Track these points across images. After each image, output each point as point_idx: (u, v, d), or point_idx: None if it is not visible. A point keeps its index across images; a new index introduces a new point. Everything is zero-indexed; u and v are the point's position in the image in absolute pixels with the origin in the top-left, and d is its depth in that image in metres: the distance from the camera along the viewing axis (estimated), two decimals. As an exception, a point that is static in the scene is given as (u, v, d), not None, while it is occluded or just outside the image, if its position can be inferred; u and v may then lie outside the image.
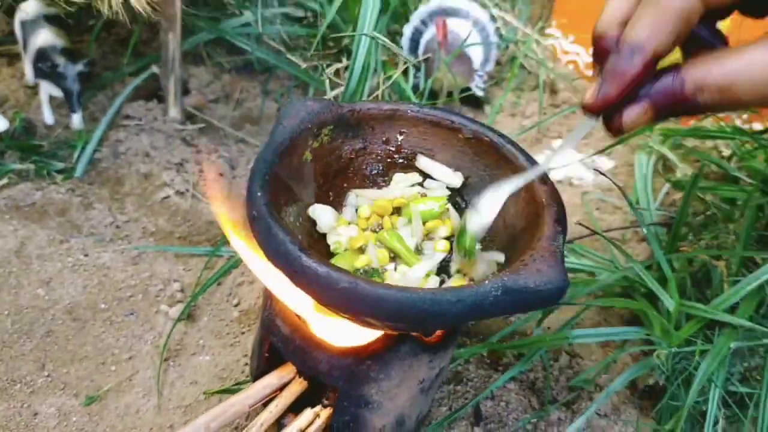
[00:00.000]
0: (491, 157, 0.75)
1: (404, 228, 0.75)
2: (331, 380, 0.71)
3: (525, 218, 0.70)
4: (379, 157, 0.79)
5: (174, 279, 0.96)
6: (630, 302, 0.80)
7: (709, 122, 1.17)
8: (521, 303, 0.59)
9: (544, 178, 0.70)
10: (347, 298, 0.57)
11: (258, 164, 0.66)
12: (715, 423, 0.80)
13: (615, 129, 0.51)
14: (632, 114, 0.49)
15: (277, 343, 0.73)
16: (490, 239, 0.73)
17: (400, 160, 0.79)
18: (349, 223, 0.75)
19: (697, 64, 0.47)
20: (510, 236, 0.71)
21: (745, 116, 1.25)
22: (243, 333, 0.91)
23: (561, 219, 0.66)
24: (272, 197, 0.64)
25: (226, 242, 0.99)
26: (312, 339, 0.71)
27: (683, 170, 1.15)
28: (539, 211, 0.68)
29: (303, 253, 0.58)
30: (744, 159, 1.05)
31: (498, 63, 1.40)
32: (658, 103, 0.49)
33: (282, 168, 0.68)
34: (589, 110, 0.50)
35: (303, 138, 0.72)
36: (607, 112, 0.50)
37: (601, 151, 1.00)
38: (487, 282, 0.59)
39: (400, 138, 0.79)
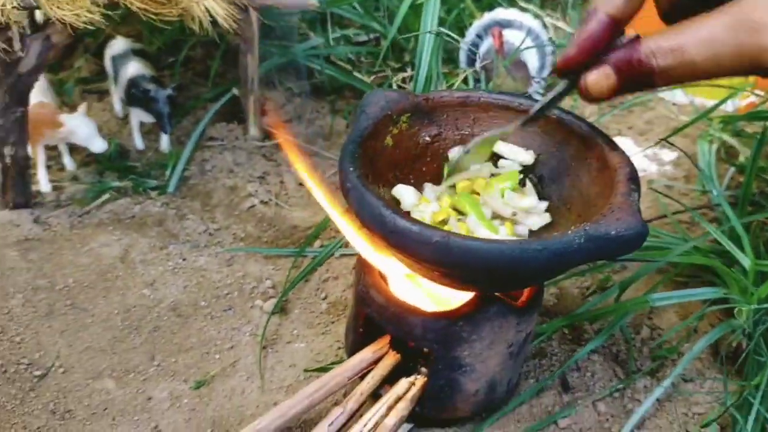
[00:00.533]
0: (559, 134, 0.80)
1: (485, 207, 0.79)
2: (426, 344, 0.75)
3: (599, 184, 0.74)
4: (454, 142, 0.85)
5: (265, 277, 1.02)
6: (708, 260, 0.83)
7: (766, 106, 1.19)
8: (604, 249, 0.63)
9: (614, 145, 0.75)
10: (441, 252, 0.62)
11: (347, 145, 0.73)
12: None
13: (582, 92, 0.57)
14: (593, 76, 0.55)
15: (372, 314, 0.79)
16: (566, 207, 0.78)
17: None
18: (431, 202, 0.80)
19: (655, 34, 0.53)
20: (585, 202, 0.76)
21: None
22: (333, 323, 0.96)
23: (634, 178, 0.71)
24: (361, 173, 0.70)
25: (310, 244, 1.06)
26: (406, 305, 0.76)
27: (746, 154, 1.17)
28: (612, 174, 0.72)
29: (396, 215, 0.64)
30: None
31: (553, 71, 1.45)
32: (616, 66, 0.54)
33: (366, 150, 0.75)
34: (557, 71, 0.57)
35: (384, 124, 0.78)
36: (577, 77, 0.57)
37: (659, 141, 1.03)
38: (570, 231, 0.63)
39: (472, 123, 0.84)
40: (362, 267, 0.80)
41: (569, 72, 0.58)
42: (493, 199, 0.77)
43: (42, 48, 0.94)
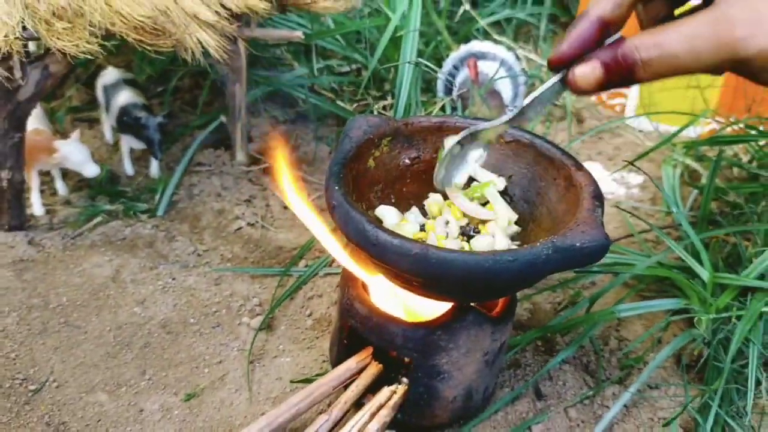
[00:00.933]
0: (530, 155, 0.86)
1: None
2: (406, 352, 0.80)
3: (566, 202, 0.80)
4: (431, 164, 0.90)
5: (252, 296, 1.07)
6: (669, 272, 0.89)
7: (727, 131, 1.26)
8: (570, 259, 0.69)
9: (579, 166, 0.81)
10: (420, 263, 0.68)
11: (332, 166, 0.78)
12: (758, 384, 0.87)
13: (571, 84, 0.60)
14: (581, 69, 0.59)
15: (355, 325, 0.83)
16: (535, 224, 0.84)
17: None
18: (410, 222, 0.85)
19: (639, 33, 0.58)
20: (553, 219, 0.81)
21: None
22: (317, 338, 1.01)
23: (598, 195, 0.77)
24: (346, 191, 0.75)
25: (295, 263, 1.10)
26: (387, 316, 0.81)
27: (707, 177, 1.24)
28: (578, 192, 0.78)
29: (378, 229, 0.69)
30: (762, 159, 1.14)
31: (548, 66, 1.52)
32: (603, 60, 0.58)
33: (350, 171, 0.80)
34: (549, 65, 0.62)
35: (366, 147, 0.84)
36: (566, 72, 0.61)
37: (626, 165, 1.10)
38: (538, 244, 0.69)
39: (448, 146, 0.90)
40: (346, 281, 0.85)
41: (560, 66, 0.61)
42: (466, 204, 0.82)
43: (41, 77, 0.99)
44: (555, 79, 0.63)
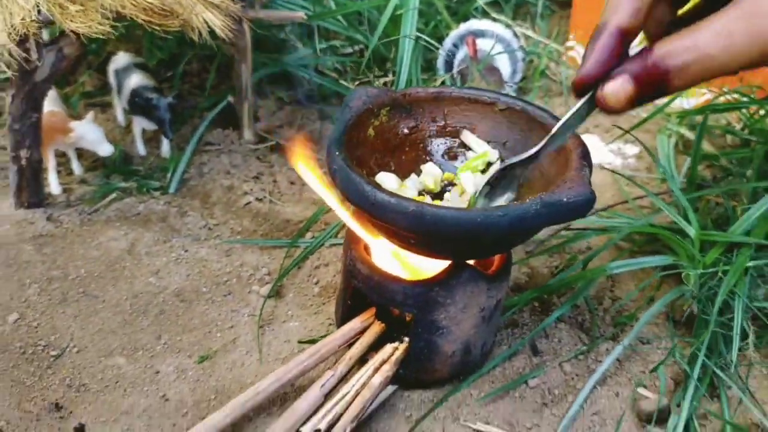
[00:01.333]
0: (523, 122, 0.90)
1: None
2: (406, 308, 0.85)
3: (557, 164, 0.84)
4: (429, 133, 0.95)
5: (261, 266, 1.11)
6: (658, 229, 0.93)
7: (720, 101, 1.29)
8: (558, 214, 0.73)
9: (569, 129, 0.85)
10: (416, 220, 0.72)
11: (333, 133, 0.83)
12: (746, 336, 0.91)
13: (602, 104, 0.56)
14: (611, 86, 0.54)
15: (358, 285, 0.88)
16: (528, 186, 0.88)
17: (448, 134, 0.94)
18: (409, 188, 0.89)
19: (665, 38, 0.52)
20: (546, 182, 0.85)
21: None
22: (324, 304, 1.05)
23: (586, 156, 0.80)
24: (346, 156, 0.80)
25: (302, 235, 1.15)
26: (388, 275, 0.85)
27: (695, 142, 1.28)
28: (568, 155, 0.82)
29: (377, 189, 0.73)
30: (753, 125, 1.17)
31: (524, 77, 1.56)
32: (633, 73, 0.53)
33: (351, 139, 0.84)
34: (574, 88, 0.57)
35: (366, 116, 0.88)
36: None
37: (622, 134, 1.13)
38: (527, 200, 0.73)
39: (445, 115, 0.94)
40: (349, 243, 0.89)
41: (587, 88, 0.57)
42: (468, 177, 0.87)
43: (56, 59, 1.03)
44: (582, 102, 0.59)
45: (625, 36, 0.54)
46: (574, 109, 0.61)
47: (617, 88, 0.54)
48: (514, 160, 0.73)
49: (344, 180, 0.77)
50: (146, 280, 1.08)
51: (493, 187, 0.77)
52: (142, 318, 1.02)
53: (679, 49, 0.51)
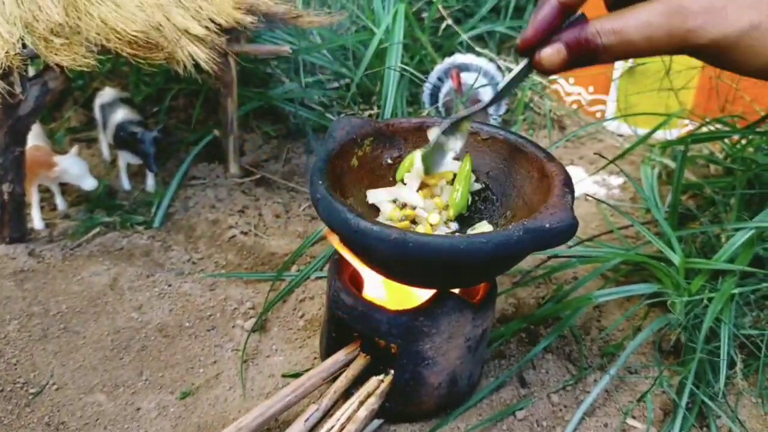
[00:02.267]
0: (505, 151, 0.91)
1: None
2: (391, 339, 0.83)
3: (540, 192, 0.84)
4: (414, 163, 0.95)
5: (246, 300, 1.10)
6: (644, 258, 0.92)
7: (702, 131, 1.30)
8: (540, 240, 0.73)
9: (551, 157, 0.85)
10: (399, 247, 0.71)
11: (316, 163, 0.83)
12: (732, 366, 0.90)
13: (537, 65, 0.63)
14: (547, 51, 0.62)
15: (342, 316, 0.87)
16: (513, 215, 0.88)
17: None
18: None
19: (600, 17, 0.60)
20: (529, 209, 0.85)
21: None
22: (309, 337, 1.04)
23: (568, 182, 0.81)
24: (329, 185, 0.79)
25: (287, 268, 1.14)
26: (372, 305, 0.84)
27: (685, 175, 1.28)
28: (550, 182, 0.82)
29: (360, 217, 0.73)
30: (735, 154, 1.18)
31: (509, 110, 1.57)
32: (567, 43, 0.61)
33: (334, 168, 0.84)
34: (518, 50, 0.65)
35: (350, 146, 0.88)
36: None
37: (606, 165, 1.14)
38: (510, 226, 0.73)
39: (429, 146, 0.95)
40: (333, 273, 0.88)
41: (527, 51, 0.64)
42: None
43: (40, 93, 1.03)
44: (524, 63, 0.66)
45: (565, 9, 0.61)
46: (517, 69, 0.68)
47: (552, 52, 0.62)
48: (464, 113, 0.79)
49: (327, 209, 0.76)
50: (128, 315, 1.06)
51: (447, 136, 0.81)
52: (124, 354, 1.00)
53: (607, 31, 0.59)
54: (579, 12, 0.63)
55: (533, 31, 0.62)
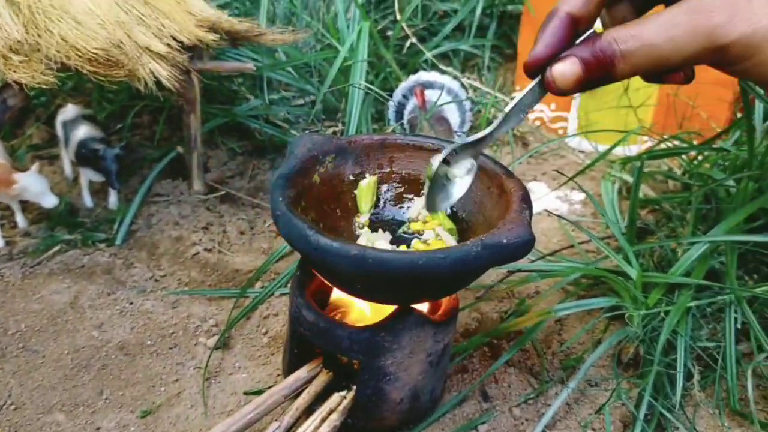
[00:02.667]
0: (467, 168, 0.92)
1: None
2: (353, 354, 0.84)
3: (499, 208, 0.86)
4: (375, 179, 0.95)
5: (209, 317, 1.09)
6: (602, 271, 0.94)
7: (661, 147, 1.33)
8: (498, 256, 0.74)
9: (510, 174, 0.87)
10: (358, 264, 0.72)
11: (277, 179, 0.83)
12: (690, 378, 0.92)
13: (550, 86, 0.58)
14: (559, 67, 0.56)
15: (304, 332, 0.87)
16: (471, 230, 0.89)
17: (393, 180, 0.95)
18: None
19: (614, 27, 0.55)
20: (488, 226, 0.86)
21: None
22: (273, 354, 1.04)
23: (526, 198, 0.82)
24: (289, 202, 0.80)
25: (251, 285, 1.14)
26: (333, 321, 0.84)
27: (644, 191, 1.31)
28: (508, 198, 0.83)
29: (319, 234, 0.73)
30: (692, 170, 1.21)
31: (473, 127, 1.59)
32: (581, 56, 0.55)
33: (296, 185, 0.84)
34: (525, 70, 0.59)
35: (311, 163, 0.89)
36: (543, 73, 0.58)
37: (567, 181, 1.15)
38: (468, 242, 0.74)
39: (390, 161, 0.95)
40: (295, 289, 0.88)
41: (536, 70, 0.58)
42: None
43: (-2, 109, 1.03)
44: (533, 83, 0.60)
45: (575, 23, 0.57)
46: (525, 91, 0.61)
47: (565, 69, 0.56)
48: (468, 140, 0.69)
49: (287, 225, 0.76)
50: (89, 333, 1.05)
51: (450, 165, 0.71)
52: (84, 373, 0.99)
53: (625, 36, 0.53)
54: (591, 30, 0.58)
55: (544, 47, 0.57)
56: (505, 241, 0.74)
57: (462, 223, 0.90)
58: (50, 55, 0.98)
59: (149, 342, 1.05)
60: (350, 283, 0.79)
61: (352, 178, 0.94)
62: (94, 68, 0.99)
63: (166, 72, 1.03)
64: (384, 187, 0.95)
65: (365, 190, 0.92)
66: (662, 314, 0.90)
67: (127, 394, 0.96)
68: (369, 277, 0.74)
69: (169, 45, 1.05)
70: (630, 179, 1.30)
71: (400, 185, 0.95)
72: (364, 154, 0.94)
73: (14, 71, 0.95)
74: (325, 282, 0.86)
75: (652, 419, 0.89)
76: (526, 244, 0.74)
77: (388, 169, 0.96)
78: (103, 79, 0.99)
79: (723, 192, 1.10)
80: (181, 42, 1.07)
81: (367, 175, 0.94)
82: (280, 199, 0.79)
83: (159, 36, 1.04)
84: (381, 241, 0.89)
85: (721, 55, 0.53)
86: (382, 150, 0.95)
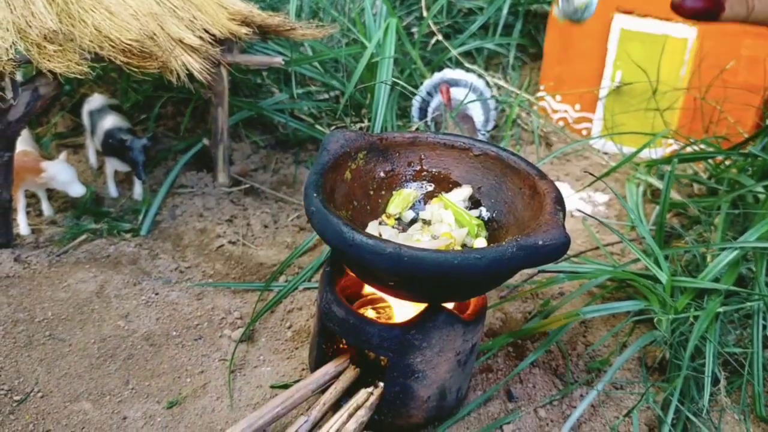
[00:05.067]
0: (497, 168, 0.92)
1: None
2: (382, 351, 0.84)
3: (531, 209, 0.86)
4: (405, 177, 0.95)
5: (233, 310, 1.10)
6: (630, 274, 0.94)
7: (687, 151, 1.33)
8: (533, 257, 0.74)
9: (543, 175, 0.86)
10: (393, 261, 0.72)
11: (311, 176, 0.83)
12: (716, 383, 0.92)
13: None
14: None
15: (334, 328, 0.87)
16: (505, 231, 0.89)
17: (423, 179, 0.95)
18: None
19: None
20: (520, 225, 0.86)
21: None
22: (297, 348, 1.04)
23: (559, 200, 0.82)
24: (323, 198, 0.80)
25: (275, 278, 1.14)
26: (364, 318, 0.85)
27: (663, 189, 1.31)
28: (541, 199, 0.83)
29: (355, 231, 0.74)
30: (719, 174, 1.21)
31: (497, 126, 1.59)
32: None
33: (328, 181, 0.85)
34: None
35: (343, 159, 0.89)
36: None
37: (592, 182, 1.15)
38: (504, 243, 0.74)
39: (420, 160, 0.96)
40: (325, 285, 0.88)
41: None
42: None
43: (31, 98, 1.03)
44: None
45: None
46: None
47: None
48: None
49: (322, 221, 0.77)
50: (115, 323, 1.05)
51: None
52: (110, 362, 0.99)
53: None
54: None
55: None
56: (540, 242, 0.74)
57: (492, 223, 0.90)
58: (84, 45, 0.98)
59: (174, 333, 1.05)
60: (383, 280, 0.79)
61: (382, 175, 0.94)
62: (127, 59, 0.99)
63: (198, 65, 1.03)
64: (414, 185, 0.95)
65: (403, 198, 0.92)
66: (691, 319, 0.90)
67: (153, 384, 0.96)
68: (403, 275, 0.75)
69: (201, 38, 1.05)
70: (655, 182, 1.30)
71: (431, 183, 0.95)
72: (395, 152, 0.95)
73: (49, 60, 0.95)
74: (357, 278, 0.86)
75: (678, 423, 0.89)
76: (562, 246, 0.74)
77: (419, 167, 0.96)
78: (136, 70, 0.99)
79: (751, 197, 1.09)
80: (213, 35, 1.07)
81: (400, 175, 0.94)
82: (315, 195, 0.79)
83: (191, 28, 1.05)
84: (425, 237, 0.89)
85: None
86: (413, 148, 0.95)
